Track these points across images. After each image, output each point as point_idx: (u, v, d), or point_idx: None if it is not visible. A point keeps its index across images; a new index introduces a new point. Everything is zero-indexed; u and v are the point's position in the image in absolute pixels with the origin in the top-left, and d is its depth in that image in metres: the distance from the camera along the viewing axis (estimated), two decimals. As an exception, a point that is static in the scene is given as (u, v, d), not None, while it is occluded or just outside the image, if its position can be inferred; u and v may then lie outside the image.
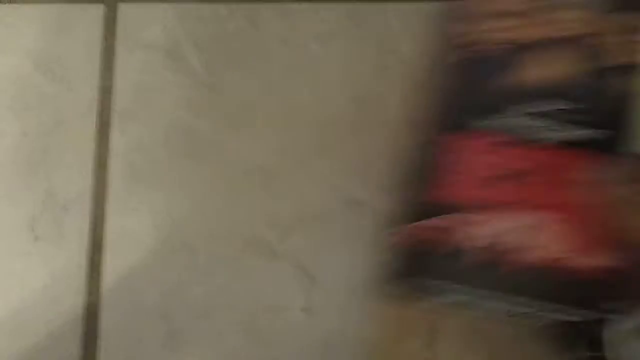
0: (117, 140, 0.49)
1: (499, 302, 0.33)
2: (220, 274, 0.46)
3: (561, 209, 0.32)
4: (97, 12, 0.52)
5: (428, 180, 0.34)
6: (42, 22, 0.52)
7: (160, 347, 0.45)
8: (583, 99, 0.32)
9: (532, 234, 0.32)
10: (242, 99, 0.51)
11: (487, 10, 0.33)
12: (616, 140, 0.31)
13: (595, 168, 0.32)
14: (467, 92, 0.34)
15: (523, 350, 0.40)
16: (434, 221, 0.34)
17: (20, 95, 0.50)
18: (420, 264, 0.34)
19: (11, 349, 0.44)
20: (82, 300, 0.46)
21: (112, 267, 0.46)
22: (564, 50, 0.31)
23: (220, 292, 0.46)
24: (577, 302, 0.33)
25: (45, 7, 0.52)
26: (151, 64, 0.51)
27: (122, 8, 0.53)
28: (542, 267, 0.32)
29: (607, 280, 0.32)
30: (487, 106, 0.33)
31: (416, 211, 0.34)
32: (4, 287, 0.46)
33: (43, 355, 0.44)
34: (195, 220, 0.48)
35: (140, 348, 0.45)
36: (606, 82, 0.32)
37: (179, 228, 0.47)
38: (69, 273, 0.46)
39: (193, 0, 0.53)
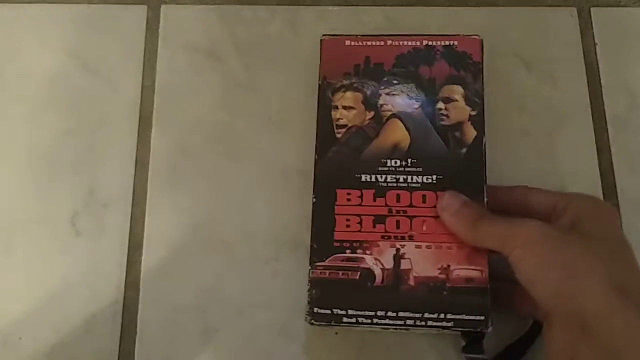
0: (158, 140, 0.50)
1: (400, 319, 0.42)
2: (256, 274, 0.47)
3: (429, 237, 0.43)
4: (140, 12, 0.53)
5: (327, 224, 0.44)
6: (87, 22, 0.53)
7: (196, 344, 0.45)
8: (421, 154, 0.45)
9: (412, 259, 0.43)
10: (280, 101, 0.51)
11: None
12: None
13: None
14: (346, 158, 0.45)
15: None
16: (339, 257, 0.43)
17: (65, 94, 0.51)
18: (331, 295, 0.43)
19: (51, 341, 0.45)
20: (120, 295, 0.46)
21: (151, 264, 0.47)
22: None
23: (255, 292, 0.46)
24: (458, 312, 0.42)
25: (90, 7, 0.54)
26: (192, 65, 0.52)
27: (165, 9, 0.54)
28: (426, 284, 0.42)
29: (476, 291, 0.42)
30: (360, 168, 0.45)
31: (325, 249, 0.44)
32: (45, 280, 0.47)
33: (81, 348, 0.45)
34: (233, 220, 0.48)
35: (176, 344, 0.45)
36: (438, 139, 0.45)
37: (217, 227, 0.48)
38: (108, 269, 0.47)
39: (234, 2, 0.54)
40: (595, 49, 0.53)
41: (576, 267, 0.37)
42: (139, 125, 0.50)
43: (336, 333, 0.46)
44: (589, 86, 0.52)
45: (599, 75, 0.52)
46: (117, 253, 0.47)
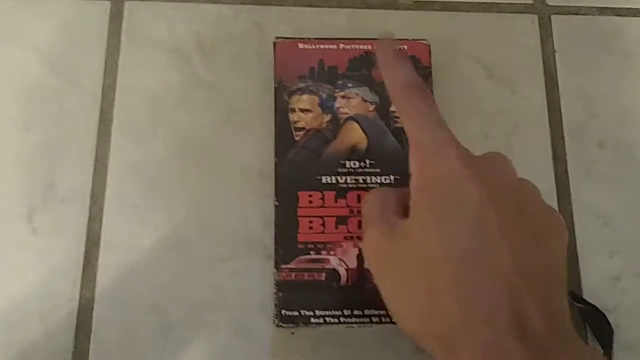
0: (118, 138, 0.50)
1: (367, 317, 0.43)
2: (214, 273, 0.47)
3: None
4: (103, 8, 0.53)
5: (291, 227, 0.45)
6: (49, 16, 0.52)
7: (153, 343, 0.45)
8: (378, 154, 0.46)
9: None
10: (242, 101, 0.51)
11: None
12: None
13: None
14: (306, 160, 0.46)
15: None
16: (304, 259, 0.44)
17: (24, 88, 0.51)
18: (298, 297, 0.43)
19: (5, 338, 0.45)
20: (76, 293, 0.46)
21: (108, 263, 0.47)
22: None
23: (213, 291, 0.46)
24: None
25: (53, 2, 0.53)
26: (155, 63, 0.52)
27: (128, 5, 0.53)
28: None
29: None
30: (320, 169, 0.46)
31: (289, 251, 0.44)
32: (0, 277, 0.46)
33: (36, 347, 0.45)
34: (191, 218, 0.48)
35: (133, 343, 0.45)
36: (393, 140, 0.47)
37: (175, 226, 0.48)
38: (65, 266, 0.46)
39: (199, 0, 0.54)
40: (554, 55, 0.54)
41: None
42: (99, 122, 0.50)
43: (292, 333, 0.46)
44: (547, 93, 0.52)
45: (557, 82, 0.53)
46: (74, 250, 0.47)
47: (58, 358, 0.45)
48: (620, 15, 0.55)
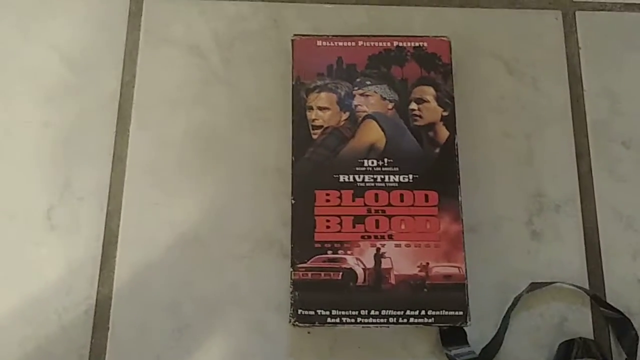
0: (136, 135, 0.50)
1: (383, 317, 0.42)
2: (231, 272, 0.47)
3: (407, 236, 0.44)
4: (122, 6, 0.53)
5: (308, 226, 0.44)
6: (69, 15, 0.53)
7: (168, 341, 0.45)
8: (396, 153, 0.45)
9: (392, 258, 0.43)
10: (260, 98, 0.51)
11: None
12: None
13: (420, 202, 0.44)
14: (324, 158, 0.45)
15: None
16: (321, 258, 0.44)
17: (44, 86, 0.51)
18: (314, 296, 0.43)
19: (23, 333, 0.45)
20: (94, 290, 0.46)
21: (125, 260, 0.47)
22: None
23: (230, 290, 0.46)
24: (438, 308, 0.43)
25: (72, 1, 0.53)
26: (173, 60, 0.52)
27: (147, 2, 0.53)
28: (406, 282, 0.43)
29: (455, 287, 0.43)
30: (337, 168, 0.45)
31: (306, 250, 0.44)
32: (19, 274, 0.46)
33: (54, 342, 0.45)
34: (210, 217, 0.48)
35: (149, 341, 0.45)
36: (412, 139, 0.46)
37: (193, 224, 0.48)
38: (82, 263, 0.47)
39: (217, -2, 0.54)
40: (578, 52, 0.52)
41: None
42: (117, 119, 0.50)
43: (309, 332, 0.45)
44: (570, 90, 0.51)
45: (582, 79, 0.52)
46: (92, 248, 0.47)
47: (75, 354, 0.45)
48: (647, 11, 0.54)
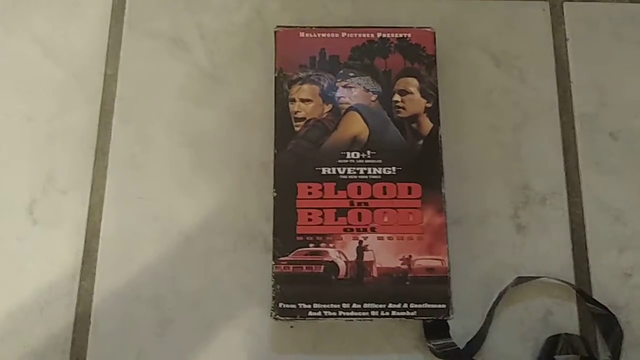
0: (119, 128, 0.49)
1: (365, 311, 0.42)
2: (214, 266, 0.46)
3: (390, 228, 0.44)
4: (106, -1, 0.53)
5: (289, 219, 0.44)
6: (51, 8, 0.52)
7: (151, 335, 0.45)
8: (379, 146, 0.45)
9: (374, 250, 0.43)
10: (244, 91, 0.50)
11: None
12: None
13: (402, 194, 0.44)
14: (306, 151, 0.45)
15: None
16: (303, 251, 0.43)
17: (27, 79, 0.50)
18: (296, 289, 0.43)
19: (4, 327, 0.45)
20: (76, 285, 0.46)
21: (108, 254, 0.47)
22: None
23: (213, 284, 0.46)
24: (420, 301, 0.42)
25: (55, -7, 0.53)
26: (157, 53, 0.51)
27: (131, -4, 0.53)
28: (389, 275, 0.43)
29: (437, 280, 0.43)
30: (320, 160, 0.45)
31: (288, 243, 0.43)
32: (1, 267, 0.46)
33: (35, 337, 0.45)
34: (191, 210, 0.48)
35: (131, 335, 0.45)
36: (395, 131, 0.45)
37: (175, 218, 0.47)
38: (64, 258, 0.46)
39: (201, -10, 0.53)
40: (565, 44, 0.52)
41: None
42: (100, 113, 0.50)
43: (291, 326, 0.45)
44: (557, 82, 0.51)
45: (569, 72, 0.51)
46: (74, 242, 0.47)
47: (57, 349, 0.44)
48: (636, 2, 0.53)
